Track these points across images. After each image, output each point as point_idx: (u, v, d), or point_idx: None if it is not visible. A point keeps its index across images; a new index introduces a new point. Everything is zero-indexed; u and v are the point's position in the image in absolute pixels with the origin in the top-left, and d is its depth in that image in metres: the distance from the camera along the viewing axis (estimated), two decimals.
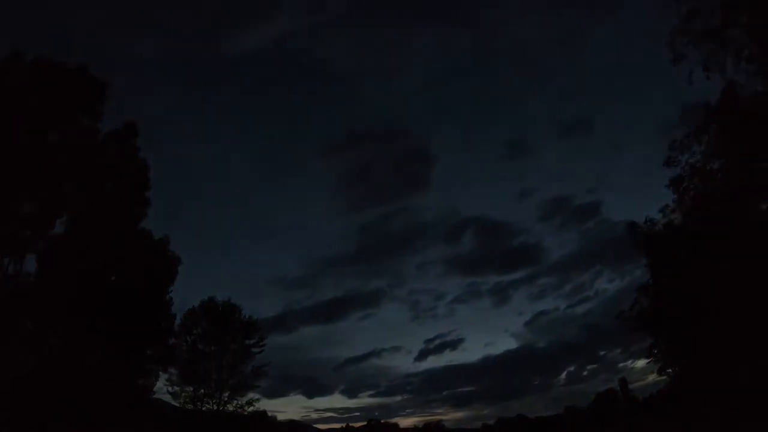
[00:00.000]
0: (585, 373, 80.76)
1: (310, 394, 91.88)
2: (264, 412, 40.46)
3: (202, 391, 35.34)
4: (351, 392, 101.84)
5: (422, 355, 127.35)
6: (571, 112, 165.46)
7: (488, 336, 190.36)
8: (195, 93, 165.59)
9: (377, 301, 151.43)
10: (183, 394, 34.75)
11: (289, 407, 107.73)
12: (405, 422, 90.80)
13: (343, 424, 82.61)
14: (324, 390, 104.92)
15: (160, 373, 28.52)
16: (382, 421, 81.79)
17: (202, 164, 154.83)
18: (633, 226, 28.71)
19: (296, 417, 76.99)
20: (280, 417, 60.07)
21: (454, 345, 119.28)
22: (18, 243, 20.55)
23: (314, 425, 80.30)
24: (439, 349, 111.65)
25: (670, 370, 28.95)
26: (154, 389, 28.32)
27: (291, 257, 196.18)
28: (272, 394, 67.04)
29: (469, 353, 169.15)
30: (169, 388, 34.05)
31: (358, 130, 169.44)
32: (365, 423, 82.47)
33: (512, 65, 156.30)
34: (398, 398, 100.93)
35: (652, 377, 33.90)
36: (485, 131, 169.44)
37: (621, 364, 55.66)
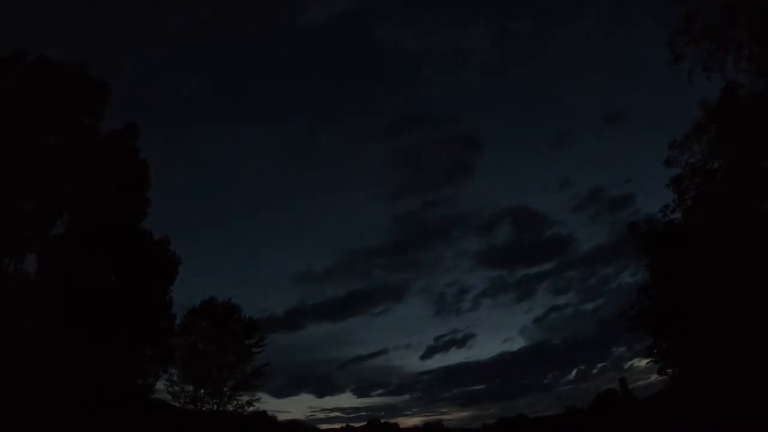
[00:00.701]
0: (595, 371, 79.42)
1: (320, 393, 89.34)
2: (264, 412, 40.60)
3: (202, 391, 35.44)
4: (362, 391, 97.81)
5: (435, 353, 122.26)
6: (616, 102, 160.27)
7: (508, 331, 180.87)
8: (232, 74, 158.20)
9: (401, 295, 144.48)
10: (183, 394, 34.86)
11: (295, 407, 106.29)
12: (410, 422, 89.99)
13: (344, 424, 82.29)
14: (335, 389, 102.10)
15: (160, 373, 28.57)
16: (382, 421, 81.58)
17: (231, 150, 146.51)
18: (633, 226, 28.74)
19: (302, 417, 76.31)
20: (285, 417, 59.83)
21: (468, 342, 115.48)
22: (18, 243, 20.57)
23: (320, 425, 79.48)
24: (453, 346, 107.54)
25: (670, 370, 28.96)
26: (154, 389, 28.38)
27: (320, 249, 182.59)
28: (282, 393, 66.17)
29: (487, 350, 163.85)
30: (169, 388, 34.20)
31: (406, 116, 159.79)
32: (365, 423, 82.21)
33: (567, 55, 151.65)
34: (407, 397, 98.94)
35: (654, 377, 33.86)
36: (535, 121, 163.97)
37: (628, 363, 55.04)
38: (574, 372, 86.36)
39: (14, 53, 21.17)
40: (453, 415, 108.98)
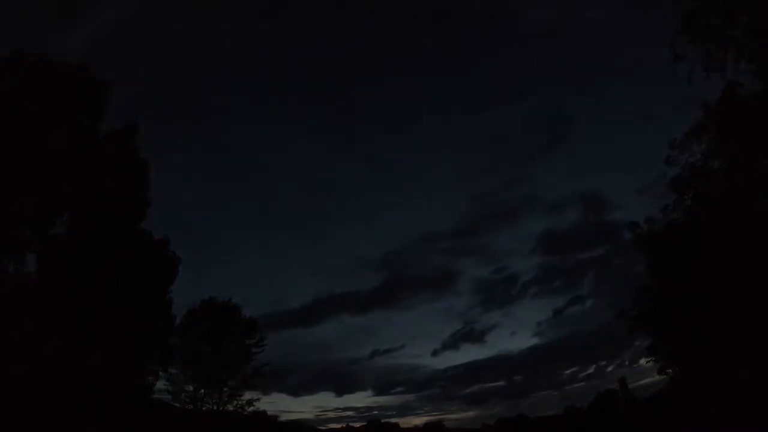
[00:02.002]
0: (611, 368, 76.63)
1: (339, 392, 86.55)
2: (264, 412, 40.53)
3: (202, 391, 35.46)
4: (382, 389, 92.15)
5: (459, 346, 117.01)
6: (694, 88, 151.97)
7: (542, 323, 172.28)
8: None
9: (451, 283, 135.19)
10: (183, 394, 34.87)
11: (306, 406, 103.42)
12: (415, 421, 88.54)
13: (344, 425, 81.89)
14: (355, 386, 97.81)
15: (160, 373, 28.59)
16: (382, 421, 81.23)
17: (279, 133, 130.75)
18: (633, 225, 28.76)
19: (311, 416, 75.03)
20: (295, 417, 59.11)
21: (497, 334, 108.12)
22: (18, 243, 20.58)
23: (330, 425, 78.35)
24: (478, 339, 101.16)
25: (670, 370, 28.98)
26: (154, 389, 28.40)
27: (380, 235, 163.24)
28: (299, 392, 65.19)
29: (518, 342, 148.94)
30: (169, 388, 34.21)
31: (496, 92, 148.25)
32: (365, 423, 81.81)
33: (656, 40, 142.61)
34: (425, 394, 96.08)
35: (655, 376, 33.88)
36: (620, 103, 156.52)
37: (641, 360, 54.33)
38: (593, 368, 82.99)
39: (14, 53, 21.16)
40: (459, 415, 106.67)
